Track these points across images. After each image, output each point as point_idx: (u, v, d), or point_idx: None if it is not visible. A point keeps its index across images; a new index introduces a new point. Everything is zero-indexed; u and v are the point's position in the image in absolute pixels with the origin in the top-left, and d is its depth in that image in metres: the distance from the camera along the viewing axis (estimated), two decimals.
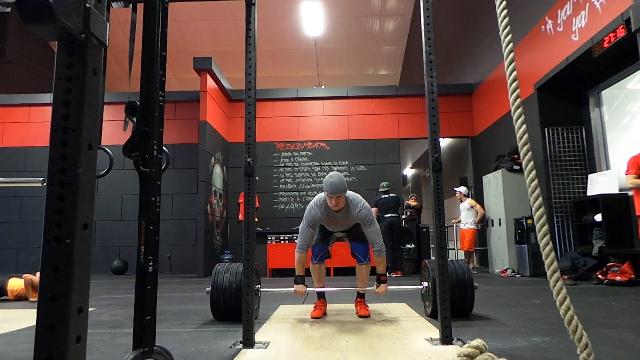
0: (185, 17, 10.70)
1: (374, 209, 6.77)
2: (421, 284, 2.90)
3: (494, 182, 7.23)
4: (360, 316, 2.92)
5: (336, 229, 3.07)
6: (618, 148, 5.82)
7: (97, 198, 7.94)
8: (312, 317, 2.90)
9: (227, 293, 2.71)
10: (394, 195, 7.12)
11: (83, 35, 0.78)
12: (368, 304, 3.12)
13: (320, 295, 3.09)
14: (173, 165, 8.64)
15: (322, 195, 2.88)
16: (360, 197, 2.95)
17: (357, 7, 10.79)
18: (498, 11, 1.15)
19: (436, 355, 1.89)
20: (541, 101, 6.36)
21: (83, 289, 0.77)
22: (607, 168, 5.79)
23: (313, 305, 3.08)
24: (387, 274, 6.77)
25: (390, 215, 6.83)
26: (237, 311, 2.46)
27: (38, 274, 3.33)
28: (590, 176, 5.85)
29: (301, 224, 2.90)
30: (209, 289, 2.76)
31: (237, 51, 11.37)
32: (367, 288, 2.97)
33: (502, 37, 1.12)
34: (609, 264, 4.86)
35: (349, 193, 2.86)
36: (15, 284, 4.31)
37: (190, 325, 2.77)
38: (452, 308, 2.14)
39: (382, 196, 6.96)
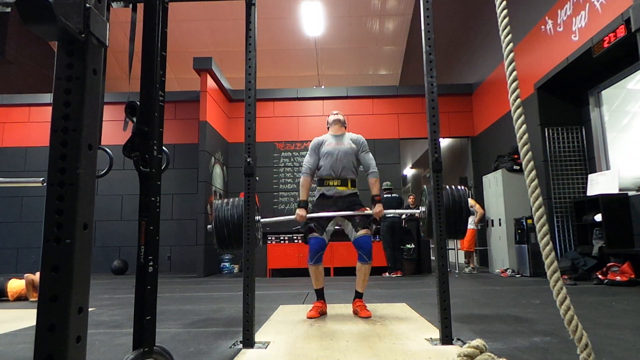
0: (185, 17, 10.69)
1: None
2: (419, 208, 2.88)
3: (494, 182, 7.23)
4: (362, 317, 2.90)
5: (337, 157, 3.06)
6: (618, 148, 5.83)
7: (97, 198, 7.93)
8: (307, 317, 2.90)
9: (230, 223, 2.74)
10: (396, 195, 7.12)
11: (83, 35, 0.78)
12: (368, 304, 3.12)
13: (320, 296, 3.07)
14: (173, 165, 8.64)
15: None
16: None
17: (357, 7, 10.79)
18: (498, 11, 1.15)
19: (436, 355, 1.89)
20: (541, 101, 6.36)
21: (83, 289, 0.77)
22: (607, 168, 5.78)
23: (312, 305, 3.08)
24: (388, 273, 6.78)
25: (391, 215, 6.83)
26: (239, 239, 2.66)
27: (38, 273, 3.33)
28: (590, 176, 5.85)
29: (306, 156, 3.21)
30: (211, 225, 2.80)
31: (237, 51, 11.36)
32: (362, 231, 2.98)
33: (502, 37, 1.12)
34: (609, 264, 4.86)
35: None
36: (15, 285, 4.30)
37: (190, 325, 2.77)
38: (447, 229, 2.33)
39: (385, 195, 6.96)
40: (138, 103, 1.29)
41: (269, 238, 7.21)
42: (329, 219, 3.05)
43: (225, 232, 2.74)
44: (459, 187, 2.82)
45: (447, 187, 2.74)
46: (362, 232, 2.96)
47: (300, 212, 2.95)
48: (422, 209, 2.81)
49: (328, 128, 3.32)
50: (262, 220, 2.89)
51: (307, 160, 3.17)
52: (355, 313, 3.00)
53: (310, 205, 3.09)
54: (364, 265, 2.97)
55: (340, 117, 3.29)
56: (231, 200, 2.84)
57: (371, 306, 3.28)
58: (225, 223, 2.74)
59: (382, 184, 7.27)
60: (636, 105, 5.88)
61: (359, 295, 3.08)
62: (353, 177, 3.12)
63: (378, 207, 2.96)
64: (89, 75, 0.80)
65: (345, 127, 3.30)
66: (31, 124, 9.12)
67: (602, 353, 1.88)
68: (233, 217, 2.73)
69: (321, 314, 3.00)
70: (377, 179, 3.09)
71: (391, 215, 6.83)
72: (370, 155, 3.18)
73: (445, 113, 8.98)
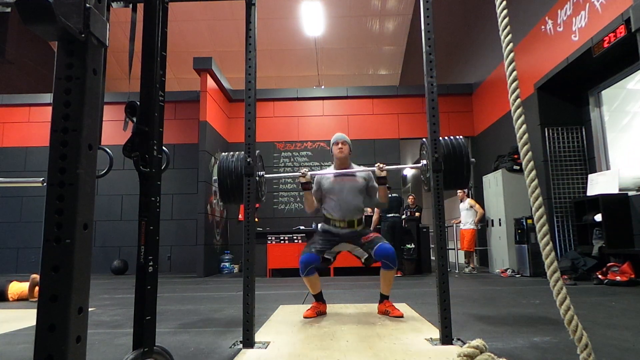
0: (185, 17, 10.70)
1: (376, 210, 6.78)
2: (420, 162, 2.82)
3: (494, 182, 7.23)
4: (393, 316, 2.83)
5: (342, 195, 2.96)
6: (618, 148, 5.83)
7: (97, 198, 7.94)
8: (304, 317, 2.89)
9: (233, 174, 2.73)
10: (396, 195, 7.12)
11: (83, 35, 0.78)
12: (368, 304, 3.11)
13: (318, 297, 3.06)
14: (173, 165, 8.64)
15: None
16: None
17: (357, 7, 10.80)
18: (498, 11, 1.15)
19: (436, 355, 1.89)
20: (541, 101, 6.37)
21: (83, 289, 0.77)
22: (607, 168, 5.79)
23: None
24: None
25: (392, 215, 6.83)
26: (242, 191, 2.61)
27: None
28: (590, 176, 5.85)
29: None
30: (216, 177, 2.82)
31: (237, 51, 11.38)
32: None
33: (502, 37, 1.12)
34: (609, 264, 4.86)
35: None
36: (16, 288, 4.28)
37: (190, 325, 2.77)
38: (449, 180, 2.35)
39: None
40: (138, 103, 1.29)
41: (269, 238, 7.21)
42: (331, 246, 2.97)
43: (229, 182, 2.72)
44: (458, 137, 2.70)
45: (446, 138, 2.63)
46: (379, 242, 2.86)
47: (304, 170, 2.94)
48: (424, 162, 2.67)
49: (332, 155, 3.12)
50: (265, 175, 2.90)
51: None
52: (385, 314, 2.92)
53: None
54: (389, 271, 2.87)
55: (345, 151, 3.02)
56: (236, 153, 2.83)
57: (371, 306, 3.28)
58: (228, 174, 2.73)
59: None
60: (636, 105, 5.88)
61: (385, 297, 2.99)
62: (360, 217, 3.00)
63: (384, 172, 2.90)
64: (89, 75, 0.80)
65: (349, 143, 3.09)
66: (31, 124, 9.12)
67: (602, 353, 1.88)
68: (237, 169, 2.73)
69: (319, 314, 2.98)
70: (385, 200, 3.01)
71: (391, 215, 6.83)
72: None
73: (445, 113, 8.98)
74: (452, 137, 2.63)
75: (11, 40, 10.64)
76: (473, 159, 2.60)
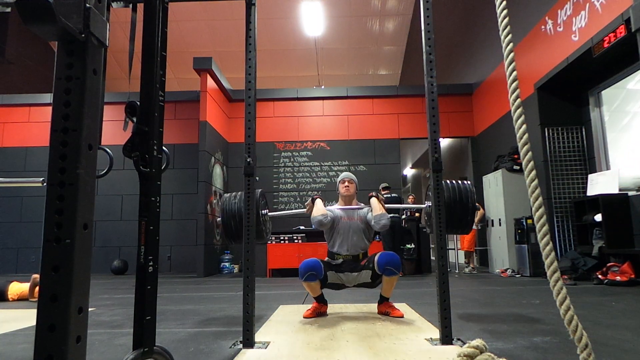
0: (185, 17, 10.70)
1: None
2: (425, 203, 2.87)
3: (494, 182, 7.23)
4: (394, 317, 2.84)
5: (349, 233, 3.02)
6: (618, 148, 5.83)
7: (97, 198, 7.94)
8: (304, 317, 2.90)
9: (237, 217, 2.74)
10: (396, 195, 7.12)
11: (83, 35, 0.78)
12: (368, 304, 3.11)
13: (318, 298, 3.04)
14: (173, 165, 8.65)
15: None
16: None
17: (357, 7, 10.79)
18: (498, 11, 1.15)
19: (436, 355, 1.89)
20: (541, 101, 6.36)
21: (83, 289, 0.77)
22: (607, 168, 5.79)
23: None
24: None
25: (391, 215, 6.83)
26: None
27: None
28: (590, 176, 5.85)
29: None
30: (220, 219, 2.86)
31: (237, 51, 11.37)
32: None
33: (502, 37, 1.12)
34: (609, 264, 4.86)
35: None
36: (15, 288, 4.28)
37: (190, 325, 2.77)
38: (453, 224, 2.53)
39: (385, 196, 6.96)
40: (138, 103, 1.29)
41: (269, 238, 7.21)
42: (335, 270, 2.98)
43: (233, 224, 2.75)
44: (465, 182, 2.77)
45: (453, 182, 2.72)
46: (377, 253, 2.91)
47: (318, 203, 3.07)
48: (428, 203, 2.72)
49: (338, 193, 3.24)
50: (269, 214, 2.91)
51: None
52: (385, 314, 2.92)
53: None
54: (393, 277, 2.88)
55: (352, 190, 3.16)
56: (239, 193, 2.84)
57: (371, 306, 3.28)
58: (232, 216, 2.75)
59: (380, 184, 7.27)
60: (636, 105, 5.88)
61: (385, 299, 2.99)
62: (364, 250, 3.07)
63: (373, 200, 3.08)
64: (89, 75, 0.80)
65: (356, 182, 3.23)
66: (31, 124, 9.12)
67: (602, 353, 1.88)
68: (240, 211, 2.74)
69: (318, 314, 2.97)
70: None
71: (391, 215, 6.82)
72: None
73: (445, 113, 8.98)
74: (459, 182, 2.73)
75: (11, 40, 10.64)
76: (478, 205, 2.65)
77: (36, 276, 4.25)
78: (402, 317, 2.82)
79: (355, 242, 3.02)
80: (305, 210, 3.15)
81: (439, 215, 2.21)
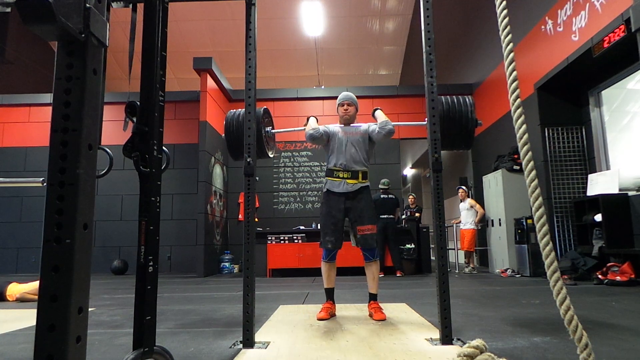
0: (185, 17, 10.70)
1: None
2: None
3: (494, 182, 7.23)
4: (376, 320, 2.74)
5: (346, 147, 2.99)
6: (618, 148, 5.83)
7: (97, 198, 7.94)
8: (318, 319, 2.81)
9: (239, 133, 2.77)
10: (393, 197, 7.09)
11: (83, 35, 0.78)
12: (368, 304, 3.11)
13: (329, 296, 3.03)
14: (173, 165, 8.64)
15: None
16: None
17: (357, 7, 10.80)
18: (498, 11, 1.15)
19: (436, 355, 1.89)
20: (541, 101, 6.36)
21: (83, 289, 0.77)
22: (607, 168, 5.79)
23: (319, 306, 3.06)
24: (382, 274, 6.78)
25: (385, 216, 6.83)
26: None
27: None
28: (590, 176, 5.85)
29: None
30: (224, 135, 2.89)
31: (237, 51, 11.37)
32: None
33: (502, 37, 1.12)
34: (609, 264, 4.86)
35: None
36: (15, 289, 4.27)
37: (190, 325, 2.77)
38: (454, 140, 2.43)
39: (381, 196, 6.95)
40: (138, 103, 1.29)
41: (269, 238, 7.21)
42: (338, 224, 2.95)
43: (234, 140, 2.79)
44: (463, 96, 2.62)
45: (448, 97, 2.58)
46: (362, 229, 2.88)
47: (311, 121, 3.09)
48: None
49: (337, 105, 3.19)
50: (273, 131, 2.92)
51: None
52: (370, 316, 2.88)
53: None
54: (371, 263, 2.91)
55: (350, 112, 3.06)
56: (241, 112, 2.86)
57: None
58: (235, 129, 2.80)
59: (380, 182, 7.27)
60: (636, 105, 5.88)
61: (373, 297, 2.94)
62: (364, 169, 2.98)
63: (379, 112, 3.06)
64: (89, 75, 0.80)
65: (356, 103, 3.13)
66: (31, 124, 9.12)
67: (602, 353, 1.88)
68: (240, 128, 2.78)
69: (330, 315, 2.91)
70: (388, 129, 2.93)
71: (385, 216, 6.82)
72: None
73: None
74: (456, 97, 2.58)
75: (11, 40, 10.64)
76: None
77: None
78: (385, 319, 2.73)
79: (352, 155, 2.95)
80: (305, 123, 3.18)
81: (439, 215, 2.21)
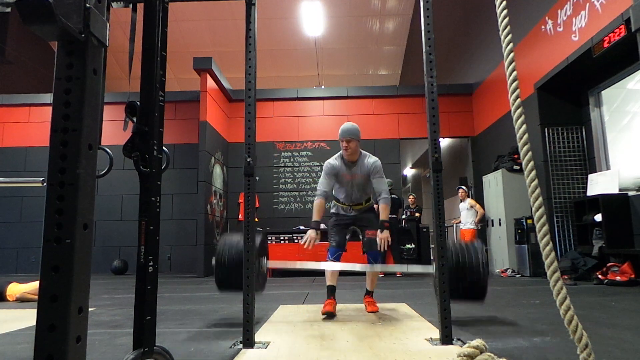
0: (185, 17, 10.70)
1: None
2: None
3: (494, 182, 7.23)
4: (369, 312, 3.07)
5: (351, 189, 3.13)
6: (618, 148, 5.82)
7: (97, 198, 7.93)
8: (323, 313, 2.89)
9: (234, 264, 2.69)
10: (395, 196, 7.10)
11: (83, 35, 0.78)
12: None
13: (331, 293, 3.08)
14: (173, 165, 8.64)
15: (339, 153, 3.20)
16: None
17: (357, 7, 10.80)
18: (498, 11, 1.15)
19: (436, 355, 1.89)
20: (541, 101, 6.36)
21: (83, 289, 0.77)
22: (607, 168, 5.78)
23: (319, 306, 3.12)
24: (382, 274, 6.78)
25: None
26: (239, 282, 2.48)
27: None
28: (590, 176, 5.85)
29: (320, 178, 3.16)
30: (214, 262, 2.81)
31: (237, 51, 11.38)
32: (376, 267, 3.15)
33: (502, 37, 1.12)
34: (609, 264, 4.86)
35: (365, 152, 3.18)
36: (15, 289, 4.27)
37: (190, 325, 2.77)
38: (465, 291, 2.48)
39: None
40: (138, 103, 1.29)
41: (269, 238, 7.21)
42: (346, 227, 3.20)
43: (227, 273, 2.71)
44: (474, 242, 2.67)
45: (460, 243, 2.66)
46: (370, 233, 3.11)
47: (312, 233, 2.92)
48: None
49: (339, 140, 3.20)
50: (270, 262, 2.92)
51: (322, 183, 3.09)
52: (365, 308, 3.18)
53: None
54: (371, 267, 3.14)
55: (352, 148, 3.03)
56: (234, 241, 2.80)
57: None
58: (228, 260, 2.71)
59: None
60: (636, 105, 5.88)
61: (368, 293, 3.26)
62: (368, 197, 3.25)
63: (385, 234, 2.94)
64: (89, 75, 0.80)
65: (358, 138, 3.08)
66: (31, 124, 9.12)
67: (602, 353, 1.88)
68: (232, 261, 2.71)
69: (334, 309, 3.00)
70: (387, 205, 3.02)
71: None
72: (384, 179, 3.12)
73: (445, 113, 8.97)
74: (468, 244, 2.65)
75: (11, 40, 10.64)
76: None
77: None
78: (377, 311, 3.06)
79: (357, 195, 3.17)
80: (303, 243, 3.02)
81: (439, 214, 2.21)
